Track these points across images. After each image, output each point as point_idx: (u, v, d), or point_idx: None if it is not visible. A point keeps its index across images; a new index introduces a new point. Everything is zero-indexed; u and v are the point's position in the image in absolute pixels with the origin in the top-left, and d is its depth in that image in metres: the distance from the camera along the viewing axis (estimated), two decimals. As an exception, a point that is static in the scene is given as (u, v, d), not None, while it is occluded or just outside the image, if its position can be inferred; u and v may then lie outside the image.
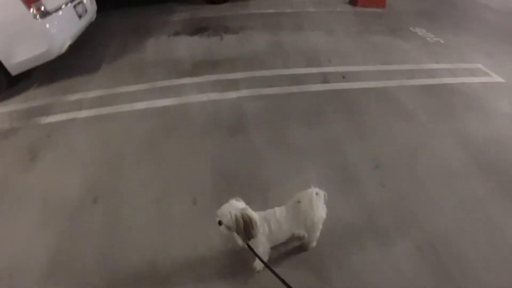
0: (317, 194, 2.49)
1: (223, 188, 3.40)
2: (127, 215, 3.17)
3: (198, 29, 7.12)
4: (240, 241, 2.44)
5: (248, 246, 2.38)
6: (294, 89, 5.06)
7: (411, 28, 7.39)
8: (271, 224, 2.47)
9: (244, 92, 4.93)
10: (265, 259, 2.56)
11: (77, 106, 4.67)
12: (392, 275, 2.71)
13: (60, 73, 5.44)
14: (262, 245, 2.48)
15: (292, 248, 2.90)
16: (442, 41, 6.75)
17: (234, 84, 5.12)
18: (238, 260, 2.78)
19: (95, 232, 3.02)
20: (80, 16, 5.64)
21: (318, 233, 2.75)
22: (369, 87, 5.14)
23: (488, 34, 7.11)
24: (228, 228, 2.29)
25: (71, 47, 5.30)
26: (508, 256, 2.86)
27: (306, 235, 2.83)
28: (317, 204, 2.50)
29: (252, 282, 2.66)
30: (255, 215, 2.35)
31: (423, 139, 4.10)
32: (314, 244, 2.84)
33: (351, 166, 3.69)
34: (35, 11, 4.61)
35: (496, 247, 2.92)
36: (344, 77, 5.38)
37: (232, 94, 4.88)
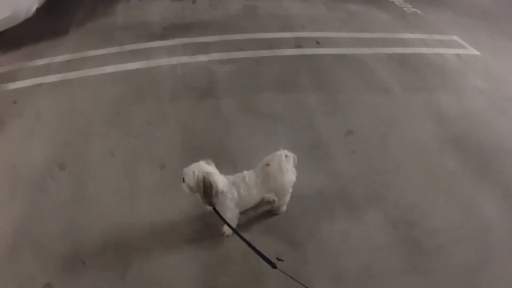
0: (286, 156, 2.50)
1: (192, 154, 3.29)
2: (95, 182, 3.16)
3: (171, -8, 6.93)
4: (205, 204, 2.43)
5: (215, 210, 2.38)
6: (266, 53, 5.02)
7: (388, -1, 7.34)
8: (240, 189, 2.46)
9: (215, 56, 4.89)
10: (234, 224, 2.58)
11: (44, 71, 4.56)
12: (362, 244, 2.77)
13: (27, 38, 5.24)
14: (230, 210, 2.48)
15: (262, 213, 2.94)
16: (419, 12, 6.70)
17: (205, 48, 5.05)
18: (207, 224, 2.80)
19: (62, 200, 3.02)
20: (46, -22, 5.42)
21: (288, 197, 2.77)
22: (343, 54, 5.13)
23: (466, 8, 7.07)
24: (190, 188, 2.29)
25: (39, 10, 5.10)
26: (477, 228, 2.94)
27: (276, 199, 2.85)
28: (287, 167, 2.51)
29: (221, 247, 2.71)
30: (221, 181, 2.34)
31: (396, 110, 4.14)
32: (284, 208, 2.87)
33: (323, 134, 3.73)
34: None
35: (466, 219, 3.01)
36: (318, 42, 5.35)
37: (203, 57, 4.83)
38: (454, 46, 5.57)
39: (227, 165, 3.18)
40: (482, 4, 7.40)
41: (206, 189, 2.24)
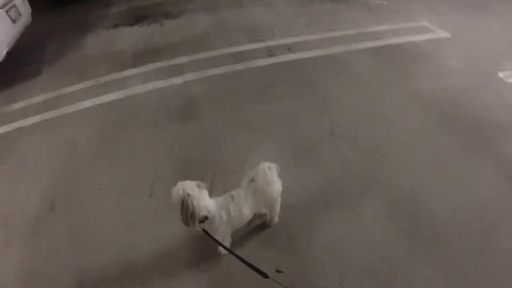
0: (269, 168, 2.48)
1: (180, 176, 3.35)
2: (87, 219, 3.16)
3: (138, 18, 7.01)
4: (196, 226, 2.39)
5: (205, 231, 2.38)
6: (240, 66, 5.10)
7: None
8: (229, 210, 2.43)
9: (189, 76, 4.95)
10: (227, 244, 2.57)
11: (22, 114, 4.59)
12: (362, 242, 2.75)
13: (0, 83, 5.28)
14: (220, 233, 2.46)
15: (255, 227, 2.92)
16: (385, 3, 6.84)
17: (179, 69, 5.12)
18: (203, 246, 2.79)
19: (57, 241, 3.00)
20: (14, 21, 5.44)
21: (278, 207, 2.77)
22: (316, 56, 5.21)
23: None
24: (175, 205, 2.29)
25: (9, 54, 5.13)
26: (475, 207, 2.94)
27: (267, 212, 2.83)
28: (272, 178, 2.49)
29: (220, 267, 2.70)
30: (208, 205, 2.33)
31: (377, 102, 4.17)
32: (276, 219, 2.86)
33: (307, 137, 3.74)
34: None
35: (462, 200, 3.00)
36: (289, 48, 5.44)
37: (178, 80, 4.89)
38: (424, 31, 5.68)
39: (217, 183, 3.18)
40: None
41: (184, 211, 2.24)
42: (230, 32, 6.11)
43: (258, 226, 2.93)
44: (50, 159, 3.84)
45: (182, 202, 2.22)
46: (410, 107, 4.05)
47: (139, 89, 4.78)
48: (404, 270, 2.56)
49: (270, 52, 5.40)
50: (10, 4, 5.42)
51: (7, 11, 5.27)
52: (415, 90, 4.31)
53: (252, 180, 2.51)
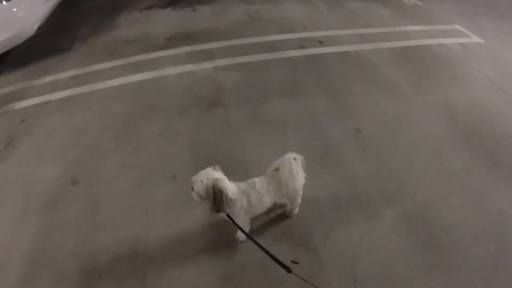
0: (294, 159, 2.46)
1: (203, 163, 3.28)
2: (108, 197, 3.16)
3: (171, 1, 6.93)
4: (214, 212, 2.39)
5: (229, 217, 2.35)
6: (270, 55, 5.02)
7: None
8: (250, 197, 2.42)
9: (220, 62, 4.89)
10: (246, 230, 2.55)
11: (50, 88, 4.59)
12: (379, 244, 2.75)
13: (32, 56, 5.30)
14: (240, 218, 2.45)
15: (275, 217, 2.92)
16: (419, 3, 6.68)
17: (209, 55, 5.06)
18: (222, 233, 2.80)
19: (76, 216, 3.02)
20: (46, -3, 5.45)
21: (299, 199, 2.75)
22: (346, 51, 5.11)
23: None
24: (199, 196, 2.25)
25: (41, 28, 5.16)
26: (496, 222, 2.90)
27: (288, 202, 2.83)
28: (297, 170, 2.47)
29: (237, 255, 2.69)
30: (230, 187, 2.30)
31: (404, 105, 4.10)
32: (296, 210, 2.85)
33: (332, 136, 3.70)
34: (-1, -5, 4.45)
35: (483, 214, 2.96)
36: (320, 41, 5.33)
37: (208, 64, 4.83)
38: (457, 35, 5.54)
39: (238, 173, 3.16)
40: None
41: (216, 196, 2.20)
42: (263, 22, 6.01)
43: (278, 216, 2.92)
44: (75, 135, 3.83)
45: (214, 188, 2.18)
46: (437, 116, 3.95)
47: (169, 71, 4.74)
48: (417, 277, 2.56)
49: (301, 44, 5.31)
50: (43, -20, 5.41)
51: (39, -14, 5.27)
52: (443, 96, 4.21)
53: (277, 169, 2.48)
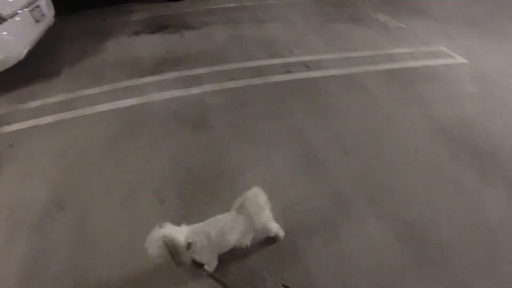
0: (257, 194, 2.45)
1: (190, 184, 3.44)
2: (95, 221, 3.16)
3: (159, 27, 7.08)
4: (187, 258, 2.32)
5: (194, 262, 2.32)
6: (257, 81, 5.11)
7: (372, 15, 7.51)
8: (211, 235, 2.35)
9: (207, 87, 4.96)
10: (214, 265, 2.55)
11: (38, 113, 4.61)
12: (369, 259, 2.77)
13: (19, 81, 5.34)
14: (205, 256, 2.40)
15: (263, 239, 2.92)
16: (404, 26, 6.88)
17: (196, 80, 5.14)
18: None
19: (64, 240, 3.01)
20: (37, 21, 5.53)
21: (274, 225, 2.71)
22: (332, 75, 5.22)
23: (450, 18, 7.26)
24: (159, 257, 2.19)
25: (30, 53, 5.20)
26: (484, 233, 2.96)
27: (248, 244, 2.79)
28: (262, 203, 2.45)
29: (227, 275, 2.69)
30: (184, 233, 2.26)
31: (391, 125, 4.18)
32: (281, 233, 2.82)
33: (319, 155, 3.75)
34: (-11, 19, 4.50)
35: (472, 225, 3.01)
36: (308, 66, 5.45)
37: (195, 90, 4.90)
38: (442, 56, 5.70)
39: (226, 194, 3.28)
40: (465, 9, 7.63)
41: (172, 252, 2.16)
42: (249, 47, 6.14)
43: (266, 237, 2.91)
44: (61, 159, 3.85)
45: (167, 246, 2.14)
46: (423, 130, 4.07)
47: (156, 96, 4.80)
48: (407, 281, 2.61)
49: (287, 68, 5.41)
50: (35, 5, 5.51)
51: (31, 11, 5.35)
52: (429, 114, 4.32)
53: (242, 206, 2.45)
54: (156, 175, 3.58)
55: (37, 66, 5.75)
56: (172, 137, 4.07)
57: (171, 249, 2.14)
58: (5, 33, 4.74)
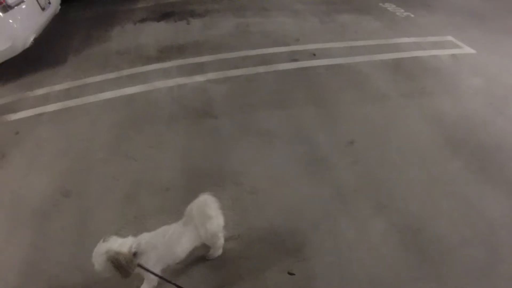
0: (206, 202, 2.37)
1: (194, 173, 3.45)
2: (99, 208, 3.18)
3: (164, 15, 7.06)
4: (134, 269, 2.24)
5: (140, 265, 2.24)
6: (262, 69, 5.09)
7: (380, 4, 7.39)
8: (157, 247, 2.30)
9: (211, 75, 4.96)
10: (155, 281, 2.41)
11: (44, 100, 4.65)
12: (369, 254, 2.75)
13: (26, 68, 5.37)
14: (150, 267, 2.29)
15: (273, 226, 2.94)
16: (412, 16, 6.77)
17: (201, 68, 5.14)
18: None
19: (68, 227, 3.03)
20: (43, 9, 5.55)
21: (222, 241, 2.62)
22: (338, 63, 5.18)
23: (459, 8, 7.12)
24: (107, 271, 2.16)
25: (36, 40, 5.23)
26: (483, 230, 2.92)
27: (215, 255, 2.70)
28: (211, 212, 2.37)
29: (231, 265, 2.69)
30: (128, 245, 2.20)
31: (394, 116, 4.14)
32: (220, 252, 2.69)
33: (322, 146, 3.73)
34: (-4, 6, 4.52)
35: (471, 222, 2.98)
36: (314, 54, 5.41)
37: (200, 78, 4.90)
38: (450, 46, 5.60)
39: (229, 184, 3.30)
40: (473, 3, 7.44)
41: (117, 266, 2.12)
42: (254, 35, 6.11)
43: (276, 225, 2.94)
44: (67, 147, 3.88)
45: (111, 261, 2.11)
46: (427, 125, 4.00)
47: (160, 84, 4.81)
48: (408, 285, 2.57)
49: (293, 56, 5.39)
50: (41, -8, 5.51)
51: (37, -1, 5.35)
52: (433, 107, 4.26)
53: (191, 215, 2.39)
54: (160, 163, 3.61)
55: (43, 54, 5.77)
56: (176, 125, 4.08)
57: (115, 262, 2.11)
58: (11, 21, 4.78)
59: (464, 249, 2.78)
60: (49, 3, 5.82)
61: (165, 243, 2.32)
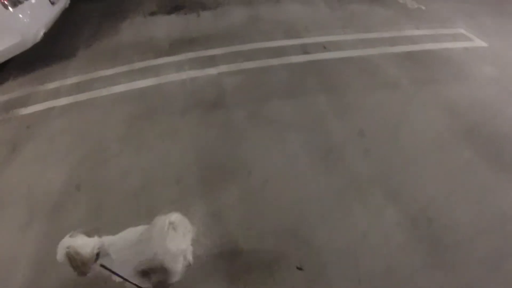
0: (172, 223, 2.14)
1: (206, 166, 3.42)
2: (112, 201, 3.16)
3: (175, 7, 6.98)
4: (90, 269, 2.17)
5: (103, 265, 2.16)
6: (274, 61, 5.01)
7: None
8: (110, 253, 2.18)
9: (223, 68, 4.88)
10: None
11: (55, 94, 4.62)
12: (382, 243, 2.74)
13: (36, 62, 5.34)
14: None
15: (282, 217, 2.92)
16: (423, 7, 6.60)
17: (213, 60, 5.06)
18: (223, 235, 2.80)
19: (81, 220, 3.01)
20: (53, 3, 5.51)
21: (178, 267, 2.28)
22: (350, 56, 5.08)
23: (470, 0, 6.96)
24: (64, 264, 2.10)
25: (46, 35, 5.20)
26: (496, 219, 2.88)
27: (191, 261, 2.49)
28: (170, 236, 2.13)
29: (240, 258, 2.68)
30: (88, 247, 2.12)
31: (407, 108, 4.06)
32: (177, 278, 2.33)
33: (335, 136, 3.68)
34: (5, 1, 4.51)
35: (484, 210, 2.94)
36: (325, 47, 5.31)
37: (212, 71, 4.83)
38: (461, 39, 5.48)
39: (242, 175, 3.28)
40: None
41: (72, 264, 2.08)
42: (266, 27, 6.01)
43: (284, 216, 2.93)
44: (79, 140, 3.86)
45: (69, 258, 2.07)
46: (440, 114, 3.93)
47: (172, 77, 4.75)
48: (419, 275, 2.56)
49: (304, 49, 5.29)
50: (50, -13, 5.48)
51: (46, -7, 5.32)
52: (445, 96, 4.18)
53: (152, 227, 2.19)
54: (173, 155, 3.57)
55: (54, 48, 5.74)
56: (189, 118, 4.03)
57: (71, 260, 2.08)
58: (21, 15, 4.75)
59: (477, 238, 2.75)
60: (59, -4, 5.76)
61: (119, 250, 2.20)
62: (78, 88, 4.69)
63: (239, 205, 3.03)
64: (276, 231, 2.83)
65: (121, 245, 2.22)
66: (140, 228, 2.28)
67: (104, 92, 4.55)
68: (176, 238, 2.17)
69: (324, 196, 3.07)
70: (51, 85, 4.81)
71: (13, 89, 4.83)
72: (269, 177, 3.26)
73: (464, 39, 5.49)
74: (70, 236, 2.16)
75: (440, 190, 3.12)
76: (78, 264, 2.08)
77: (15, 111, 4.39)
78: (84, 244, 2.13)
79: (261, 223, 2.84)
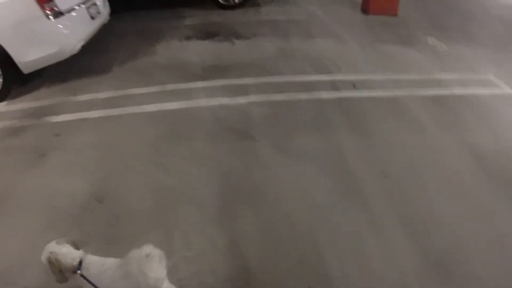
0: (148, 255, 2.03)
1: (228, 194, 3.41)
2: (132, 218, 3.16)
3: (209, 34, 7.13)
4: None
5: (82, 276, 2.12)
6: (303, 95, 5.03)
7: (422, 38, 7.28)
8: (90, 271, 2.14)
9: (253, 98, 4.92)
10: None
11: (87, 106, 4.71)
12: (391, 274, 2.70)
13: (71, 73, 5.48)
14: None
15: (286, 246, 2.90)
16: (453, 51, 6.62)
17: (244, 90, 5.11)
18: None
19: (99, 233, 3.02)
20: (93, 18, 5.68)
21: None
22: (378, 96, 5.09)
23: (500, 46, 6.90)
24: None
25: (84, 48, 5.34)
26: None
27: None
28: (150, 268, 2.01)
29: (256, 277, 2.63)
30: (70, 258, 2.14)
31: (433, 152, 4.01)
32: None
33: (358, 177, 3.64)
34: (48, 11, 4.68)
35: (510, 265, 2.84)
36: (354, 85, 5.34)
37: (242, 100, 4.87)
38: (490, 85, 5.44)
39: (263, 206, 3.27)
40: None
41: (52, 270, 2.15)
42: (298, 61, 6.07)
43: (290, 245, 2.90)
44: (106, 155, 3.90)
45: (50, 263, 2.13)
46: (465, 160, 3.86)
47: (203, 102, 4.81)
48: None
49: (334, 86, 5.31)
50: (91, 2, 5.72)
51: (87, 8, 5.54)
52: (473, 144, 4.09)
53: (129, 261, 2.09)
54: (197, 180, 3.57)
55: (90, 61, 5.88)
56: (215, 143, 4.06)
57: (52, 266, 2.14)
58: (61, 26, 4.90)
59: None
60: (99, 12, 5.95)
61: (100, 272, 2.15)
62: (110, 103, 4.77)
63: (257, 235, 3.01)
64: (292, 265, 2.77)
65: (99, 269, 2.18)
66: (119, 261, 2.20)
67: (135, 109, 4.62)
68: (155, 272, 2.02)
69: (342, 236, 3.03)
70: (84, 97, 4.91)
71: (47, 97, 4.94)
72: (289, 211, 3.23)
73: (493, 85, 5.46)
74: (57, 243, 2.22)
75: (460, 238, 3.03)
76: (56, 270, 2.14)
77: (46, 118, 4.48)
78: (67, 253, 2.18)
79: (276, 255, 2.81)
